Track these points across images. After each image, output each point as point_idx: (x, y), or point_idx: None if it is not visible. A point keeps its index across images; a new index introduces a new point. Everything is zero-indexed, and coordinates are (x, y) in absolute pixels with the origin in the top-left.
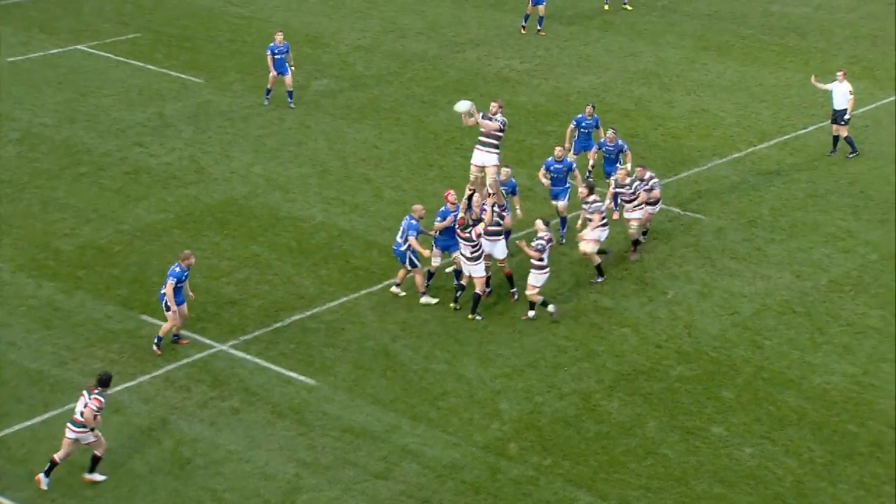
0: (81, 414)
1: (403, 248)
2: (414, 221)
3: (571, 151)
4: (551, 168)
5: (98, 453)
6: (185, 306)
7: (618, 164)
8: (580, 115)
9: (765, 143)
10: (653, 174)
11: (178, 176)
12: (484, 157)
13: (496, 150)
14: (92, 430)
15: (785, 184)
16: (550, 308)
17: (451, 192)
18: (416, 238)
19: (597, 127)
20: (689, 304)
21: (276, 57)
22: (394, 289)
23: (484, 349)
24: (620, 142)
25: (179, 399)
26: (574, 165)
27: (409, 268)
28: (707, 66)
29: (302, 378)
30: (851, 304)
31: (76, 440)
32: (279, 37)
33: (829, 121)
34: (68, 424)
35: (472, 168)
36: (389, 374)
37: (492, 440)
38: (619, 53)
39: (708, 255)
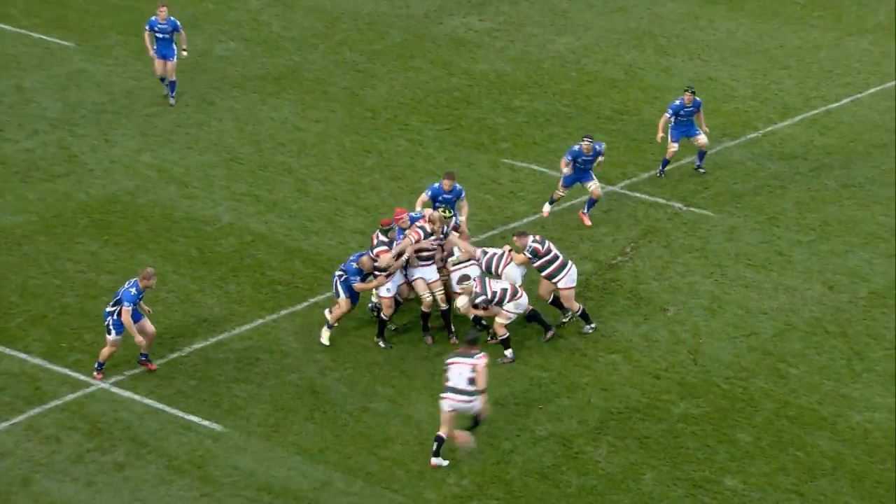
0: None
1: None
2: (355, 265)
3: (669, 140)
4: (580, 159)
5: None
6: (146, 321)
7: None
8: (677, 103)
9: (787, 119)
10: None
11: (42, 167)
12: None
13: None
14: None
15: (813, 171)
16: (507, 353)
17: (404, 213)
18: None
19: (698, 111)
20: (695, 324)
21: (158, 36)
22: (327, 313)
23: (437, 383)
24: (599, 147)
25: (46, 452)
26: (603, 148)
27: (337, 297)
28: (714, 24)
29: (206, 423)
30: None
31: None
32: (163, 11)
33: None
34: None
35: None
36: (318, 417)
37: (448, 498)
38: (603, 9)
39: (718, 261)
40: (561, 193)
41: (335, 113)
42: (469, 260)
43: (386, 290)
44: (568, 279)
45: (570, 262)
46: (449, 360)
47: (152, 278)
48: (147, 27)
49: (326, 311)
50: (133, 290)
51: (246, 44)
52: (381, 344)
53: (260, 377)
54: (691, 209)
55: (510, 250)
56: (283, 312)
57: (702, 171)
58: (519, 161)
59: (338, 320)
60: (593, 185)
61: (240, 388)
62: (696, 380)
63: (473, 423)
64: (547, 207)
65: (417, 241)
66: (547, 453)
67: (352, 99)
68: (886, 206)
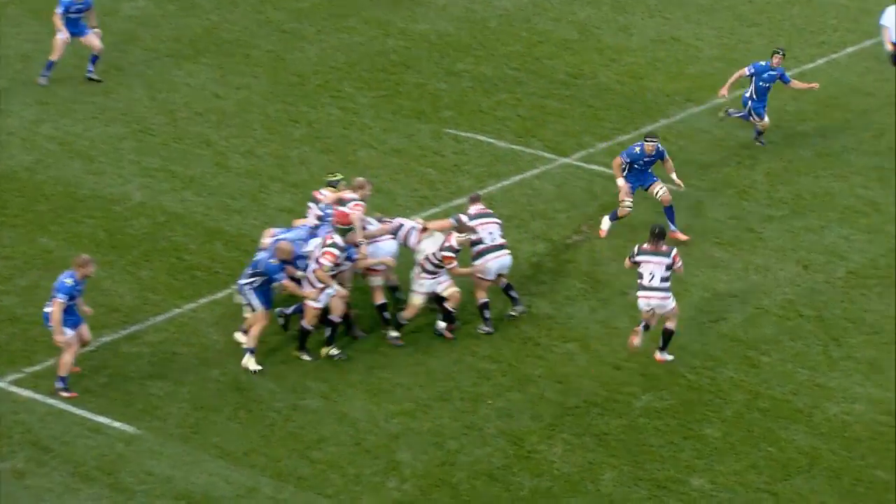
0: None
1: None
2: (271, 262)
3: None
4: (639, 162)
5: None
6: (84, 328)
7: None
8: (762, 63)
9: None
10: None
11: None
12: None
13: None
14: None
15: (786, 140)
16: (392, 334)
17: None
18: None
19: (783, 79)
20: None
21: (70, 16)
22: (240, 336)
23: (375, 378)
24: (662, 149)
25: None
26: (665, 152)
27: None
28: None
29: (117, 425)
30: (879, 305)
31: None
32: None
33: (891, 62)
34: None
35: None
36: (243, 416)
37: None
38: None
39: (684, 239)
40: (628, 205)
41: (258, 79)
42: (383, 235)
43: (313, 300)
44: (487, 266)
45: (501, 251)
46: (639, 258)
47: (90, 265)
48: (60, 8)
49: (239, 335)
50: (69, 281)
51: (157, 2)
52: (306, 357)
53: (177, 373)
54: None
55: (423, 227)
56: (202, 301)
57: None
58: (463, 131)
59: (258, 338)
60: (660, 191)
61: (155, 386)
62: (659, 370)
63: (663, 340)
64: (606, 224)
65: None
66: (497, 453)
67: (277, 63)
68: (866, 176)
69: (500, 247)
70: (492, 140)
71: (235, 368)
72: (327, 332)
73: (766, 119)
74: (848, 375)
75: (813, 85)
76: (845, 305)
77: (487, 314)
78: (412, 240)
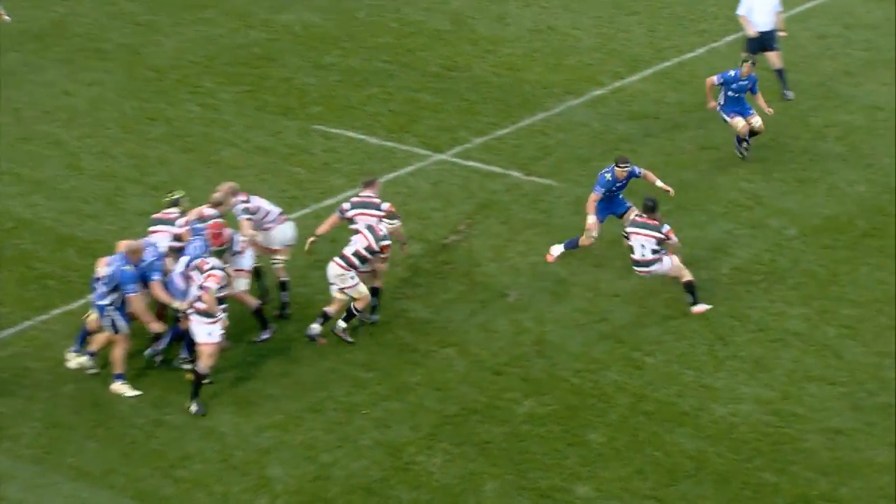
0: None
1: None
2: (127, 268)
3: (719, 109)
4: (614, 187)
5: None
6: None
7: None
8: (732, 73)
9: (637, 73)
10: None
11: None
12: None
13: None
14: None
15: (667, 132)
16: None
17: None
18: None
19: (752, 91)
20: (540, 310)
21: None
22: (75, 361)
23: (242, 389)
24: (636, 171)
25: None
26: (637, 170)
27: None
28: None
29: None
30: (763, 301)
31: None
32: None
33: (746, 49)
34: None
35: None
36: (100, 434)
37: None
38: None
39: (564, 237)
40: (593, 236)
41: (111, 74)
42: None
43: (207, 335)
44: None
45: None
46: (629, 229)
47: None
48: None
49: (78, 358)
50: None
51: None
52: (194, 408)
53: (29, 390)
54: (532, 178)
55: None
56: (55, 312)
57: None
58: (333, 127)
59: (124, 361)
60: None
61: (4, 404)
62: (541, 375)
63: (689, 295)
64: (558, 250)
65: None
66: (373, 465)
67: (132, 57)
68: (748, 169)
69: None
70: (363, 136)
71: (91, 383)
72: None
73: (752, 121)
74: (734, 375)
75: (768, 110)
76: (730, 303)
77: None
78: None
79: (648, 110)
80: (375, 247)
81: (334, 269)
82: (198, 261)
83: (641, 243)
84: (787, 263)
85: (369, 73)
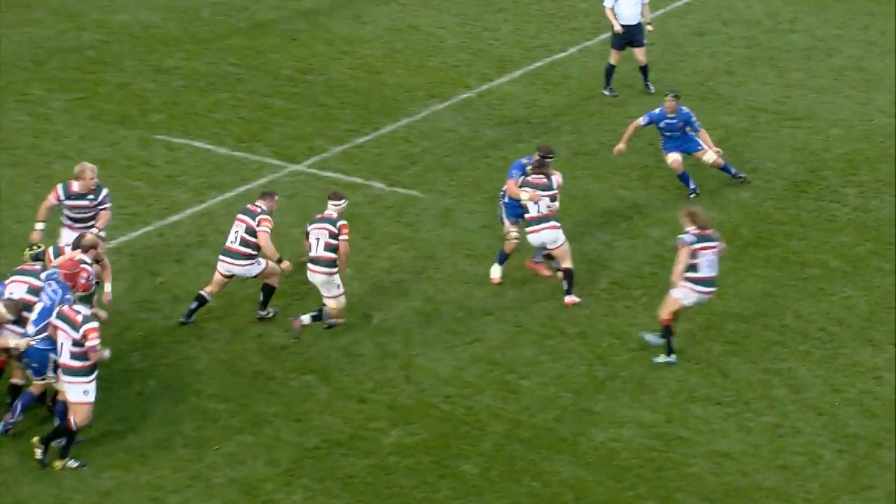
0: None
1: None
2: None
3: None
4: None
5: None
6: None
7: None
8: (656, 111)
9: (506, 75)
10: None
11: None
12: None
13: None
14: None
15: (539, 137)
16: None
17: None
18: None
19: (689, 125)
20: (407, 332)
21: None
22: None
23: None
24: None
25: None
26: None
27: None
28: None
29: None
30: (644, 317)
31: None
32: None
33: (613, 45)
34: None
35: None
36: None
37: None
38: None
39: (431, 252)
40: (514, 237)
41: None
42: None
43: (83, 394)
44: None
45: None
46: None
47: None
48: None
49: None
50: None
51: None
52: (73, 464)
53: None
54: (396, 189)
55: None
56: None
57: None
58: (177, 137)
59: None
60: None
61: None
62: (410, 401)
63: (565, 283)
64: (497, 272)
65: None
66: None
67: None
68: (626, 176)
69: (234, 253)
70: (210, 146)
71: None
72: (62, 441)
73: (702, 157)
74: (614, 397)
75: (717, 150)
76: (609, 320)
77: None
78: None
79: (519, 114)
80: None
81: (316, 277)
82: (66, 309)
83: (316, 237)
84: (669, 276)
85: (216, 77)
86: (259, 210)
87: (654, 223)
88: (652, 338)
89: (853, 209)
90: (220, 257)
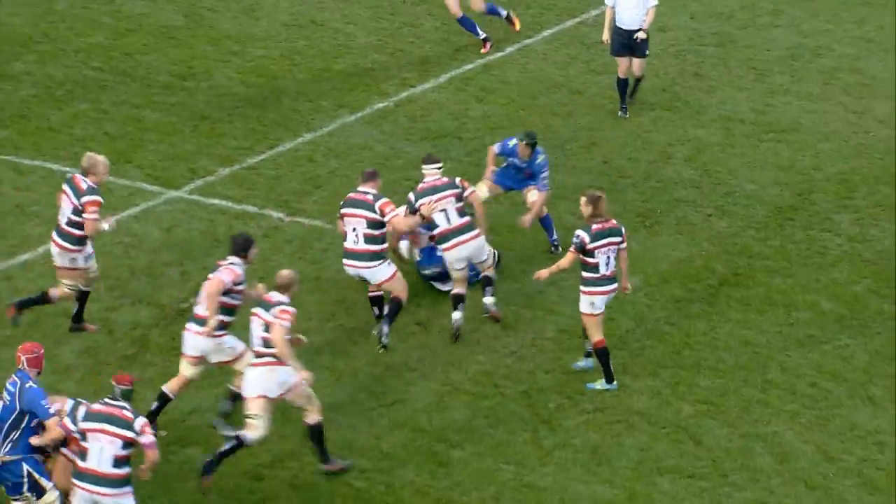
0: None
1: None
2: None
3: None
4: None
5: None
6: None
7: None
8: (511, 144)
9: (431, 80)
10: None
11: None
12: None
13: None
14: None
15: (472, 154)
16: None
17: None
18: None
19: (534, 179)
20: (315, 392)
21: None
22: None
23: None
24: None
25: None
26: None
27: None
28: None
29: None
30: (600, 373)
31: None
32: None
33: (612, 52)
34: None
35: None
36: None
37: None
38: None
39: (342, 295)
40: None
41: None
42: None
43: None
44: None
45: None
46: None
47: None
48: None
49: None
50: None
51: None
52: None
53: None
54: (297, 220)
55: None
56: None
57: None
58: (27, 157)
59: None
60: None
61: None
62: (317, 478)
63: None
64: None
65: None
66: None
67: None
68: (575, 201)
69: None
70: (69, 168)
71: None
72: None
73: (527, 195)
74: (564, 469)
75: (526, 223)
76: (557, 375)
77: None
78: None
79: (447, 127)
80: None
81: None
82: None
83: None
84: (629, 323)
85: (75, 84)
86: (372, 197)
87: None
88: (583, 363)
89: (848, 239)
90: (345, 261)
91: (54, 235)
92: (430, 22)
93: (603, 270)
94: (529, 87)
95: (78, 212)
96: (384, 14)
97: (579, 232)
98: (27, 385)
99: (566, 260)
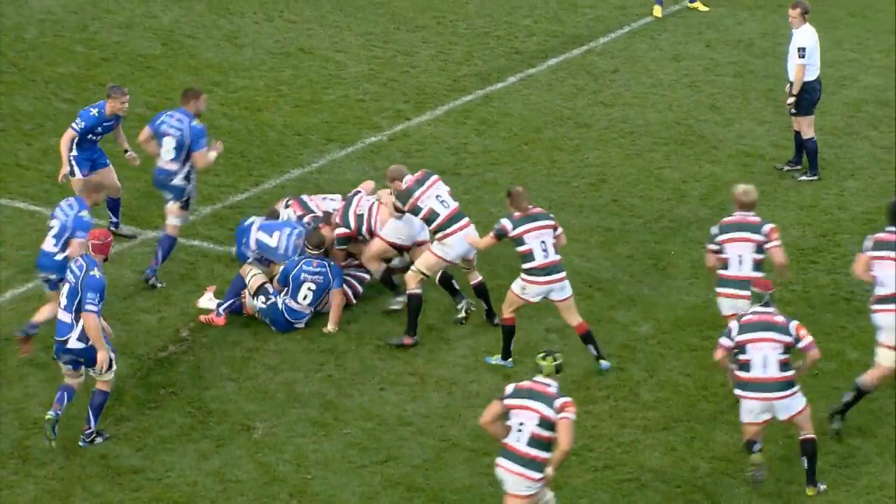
0: None
1: None
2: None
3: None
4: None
5: None
6: None
7: None
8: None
9: (427, 112)
10: None
11: None
12: None
13: None
14: None
15: (472, 191)
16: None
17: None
18: None
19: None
20: (300, 448)
21: None
22: None
23: None
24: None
25: None
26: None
27: None
28: None
29: None
30: (612, 427)
31: None
32: None
33: (802, 112)
34: None
35: None
36: None
37: None
38: None
39: (331, 344)
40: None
41: None
42: None
43: None
44: None
45: None
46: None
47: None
48: None
49: None
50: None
51: None
52: None
53: None
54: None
55: None
56: None
57: None
58: None
59: None
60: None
61: None
62: None
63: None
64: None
65: None
66: None
67: None
68: (584, 243)
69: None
70: (38, 208)
71: None
72: None
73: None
74: None
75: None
76: None
77: None
78: None
79: (444, 162)
80: None
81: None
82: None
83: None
84: (641, 373)
85: (44, 117)
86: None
87: (621, 303)
88: (604, 364)
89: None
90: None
91: None
92: (426, 50)
93: (539, 259)
94: (533, 120)
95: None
96: (377, 41)
97: (501, 220)
98: (91, 272)
99: (483, 241)
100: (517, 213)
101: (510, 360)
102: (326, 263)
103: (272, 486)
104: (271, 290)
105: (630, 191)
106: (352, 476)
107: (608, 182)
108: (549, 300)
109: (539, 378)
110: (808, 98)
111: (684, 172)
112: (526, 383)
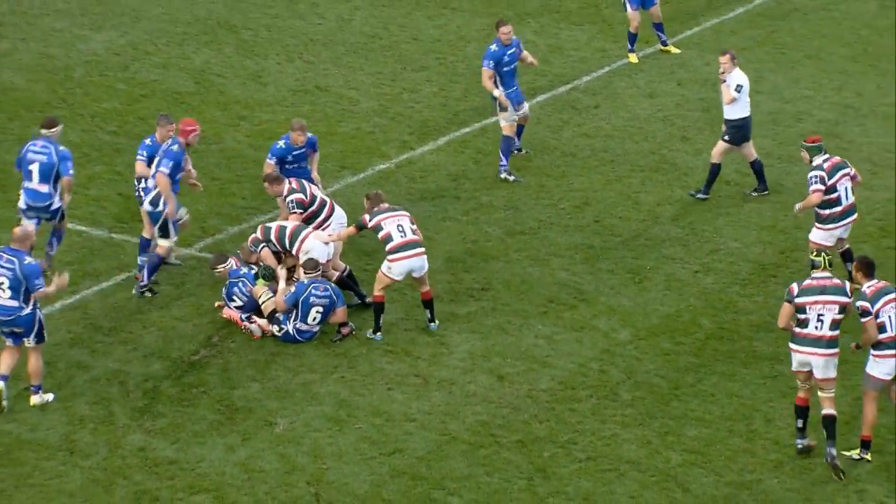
0: None
1: None
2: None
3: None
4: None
5: None
6: None
7: None
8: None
9: (430, 142)
10: None
11: None
12: None
13: None
14: None
15: (465, 214)
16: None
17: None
18: None
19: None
20: (316, 441)
21: None
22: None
23: None
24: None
25: None
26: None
27: None
28: (319, 9)
29: None
30: (593, 423)
31: None
32: None
33: (725, 137)
34: None
35: None
36: None
37: None
38: None
39: (344, 349)
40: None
41: None
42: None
43: None
44: None
45: None
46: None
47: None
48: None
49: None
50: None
51: None
52: None
53: None
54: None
55: None
56: None
57: None
58: None
59: None
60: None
61: None
62: None
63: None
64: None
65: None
66: None
67: None
68: (569, 258)
69: None
70: (84, 228)
71: None
72: None
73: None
74: None
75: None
76: (551, 425)
77: None
78: None
79: (445, 188)
80: None
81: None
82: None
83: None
84: (620, 375)
85: (90, 147)
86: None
87: (602, 312)
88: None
89: None
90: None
91: None
92: (429, 88)
93: (397, 238)
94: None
95: None
96: (385, 80)
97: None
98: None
99: (345, 232)
100: (374, 208)
101: (379, 333)
102: (330, 286)
103: (292, 475)
104: (282, 318)
105: (610, 212)
106: (363, 466)
107: (591, 205)
108: (412, 277)
109: (817, 274)
110: (740, 133)
111: (658, 196)
112: (809, 281)
